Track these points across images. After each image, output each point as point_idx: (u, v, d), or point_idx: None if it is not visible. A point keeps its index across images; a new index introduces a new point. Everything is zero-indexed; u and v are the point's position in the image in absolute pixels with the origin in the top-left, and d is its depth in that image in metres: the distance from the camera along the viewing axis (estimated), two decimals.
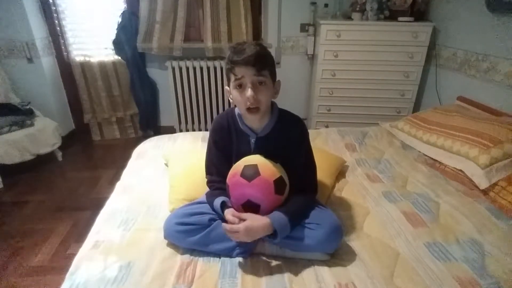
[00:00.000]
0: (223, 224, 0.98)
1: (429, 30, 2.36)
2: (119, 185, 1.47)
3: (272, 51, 2.71)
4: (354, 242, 1.12)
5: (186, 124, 3.05)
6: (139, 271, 0.98)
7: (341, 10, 2.64)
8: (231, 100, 1.10)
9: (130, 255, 1.04)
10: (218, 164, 1.16)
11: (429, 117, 1.88)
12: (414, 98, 2.59)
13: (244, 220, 0.97)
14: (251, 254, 1.05)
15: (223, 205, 1.05)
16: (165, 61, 2.78)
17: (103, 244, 1.08)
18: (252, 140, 1.13)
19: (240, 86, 1.03)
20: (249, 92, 1.00)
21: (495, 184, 1.37)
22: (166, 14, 2.64)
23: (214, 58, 2.80)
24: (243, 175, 1.02)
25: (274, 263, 1.03)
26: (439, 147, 1.66)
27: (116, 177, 1.64)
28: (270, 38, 2.79)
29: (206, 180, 1.19)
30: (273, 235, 0.98)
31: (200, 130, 3.04)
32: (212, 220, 1.06)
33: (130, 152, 1.78)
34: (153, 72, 2.95)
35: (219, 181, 1.13)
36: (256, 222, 0.97)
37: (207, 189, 1.18)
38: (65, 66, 2.88)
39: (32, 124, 2.45)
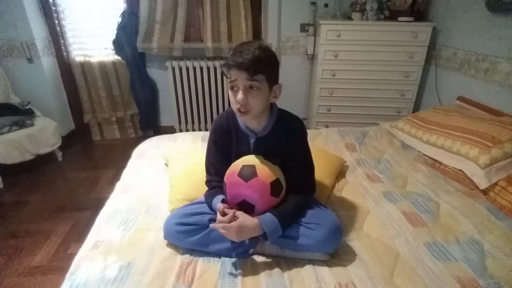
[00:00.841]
0: (212, 223, 0.98)
1: (429, 30, 2.36)
2: (119, 185, 1.47)
3: None
4: (354, 242, 1.12)
5: (186, 124, 3.05)
6: (139, 271, 0.98)
7: (341, 10, 2.64)
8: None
9: (130, 255, 1.04)
10: (217, 164, 1.16)
11: (429, 117, 1.88)
12: (414, 98, 2.59)
13: (236, 217, 0.98)
14: (251, 254, 1.05)
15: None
16: (165, 61, 2.78)
17: (103, 244, 1.08)
18: (252, 140, 1.13)
19: (233, 89, 1.03)
20: (239, 95, 1.00)
21: (495, 184, 1.37)
22: (166, 14, 2.65)
23: (214, 58, 2.80)
24: (240, 175, 1.02)
25: (274, 263, 1.03)
26: (439, 147, 1.66)
27: (116, 177, 1.64)
28: (270, 38, 2.79)
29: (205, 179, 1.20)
30: (265, 234, 0.99)
31: (200, 130, 3.04)
32: (212, 220, 1.06)
33: (130, 152, 1.78)
34: (153, 72, 2.95)
35: (217, 181, 1.13)
36: (247, 222, 0.98)
37: (207, 189, 1.18)
38: (65, 66, 2.88)
39: (32, 124, 2.45)
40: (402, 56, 2.44)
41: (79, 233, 1.84)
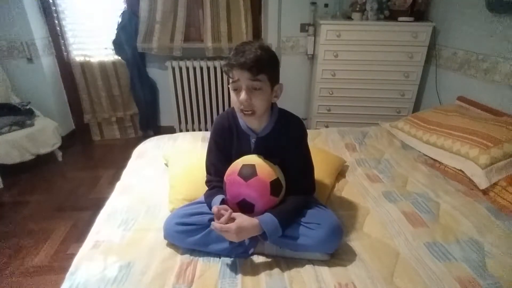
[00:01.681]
0: (213, 223, 0.97)
1: (429, 30, 2.36)
2: (119, 185, 1.47)
3: None
4: (354, 242, 1.12)
5: (186, 124, 3.05)
6: (139, 271, 0.98)
7: (341, 10, 2.64)
8: (232, 102, 1.10)
9: (130, 255, 1.04)
10: (217, 164, 1.16)
11: (429, 117, 1.89)
12: (414, 98, 2.59)
13: (233, 219, 0.98)
14: (251, 254, 1.05)
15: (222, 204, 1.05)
16: (165, 61, 2.78)
17: (103, 244, 1.08)
18: (253, 140, 1.14)
19: (236, 89, 1.03)
20: (242, 95, 1.00)
21: (495, 184, 1.37)
22: (166, 14, 2.65)
23: (214, 58, 2.80)
24: (240, 174, 1.02)
25: (274, 263, 1.03)
26: (439, 147, 1.66)
27: (116, 177, 1.64)
28: (270, 38, 2.79)
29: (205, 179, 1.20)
30: (264, 234, 0.99)
31: (200, 130, 3.04)
32: (212, 220, 1.06)
33: (130, 152, 1.78)
34: (153, 72, 2.95)
35: (217, 181, 1.13)
36: (246, 222, 0.97)
37: (207, 189, 1.18)
38: (65, 66, 2.88)
39: (32, 124, 2.45)
40: (402, 56, 2.44)
41: (79, 233, 1.84)
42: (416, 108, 2.66)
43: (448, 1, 2.32)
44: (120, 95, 3.00)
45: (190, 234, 1.04)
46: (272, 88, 1.05)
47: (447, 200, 1.35)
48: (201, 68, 2.81)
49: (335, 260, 1.03)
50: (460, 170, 1.51)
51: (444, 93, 2.40)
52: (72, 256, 1.06)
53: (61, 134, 2.65)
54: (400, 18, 2.39)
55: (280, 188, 1.05)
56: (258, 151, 1.12)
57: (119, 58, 2.80)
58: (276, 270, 1.00)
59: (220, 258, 1.04)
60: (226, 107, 3.00)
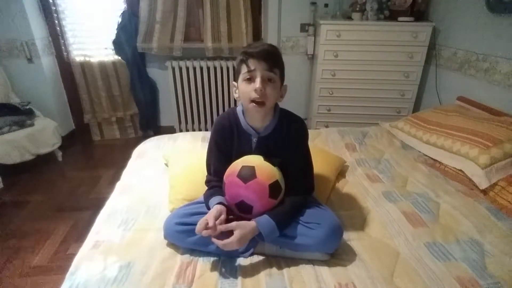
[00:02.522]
0: (214, 240, 0.97)
1: (429, 30, 2.36)
2: (119, 185, 1.47)
3: None
4: (354, 242, 1.12)
5: (186, 124, 3.05)
6: (139, 271, 0.98)
7: (341, 10, 2.64)
8: (236, 96, 1.11)
9: (130, 255, 1.04)
10: (217, 164, 1.16)
11: (429, 117, 1.89)
12: (414, 98, 2.59)
13: (232, 229, 0.98)
14: (251, 254, 1.05)
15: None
16: (165, 61, 2.78)
17: (103, 244, 1.08)
18: (254, 140, 1.14)
19: (250, 80, 1.04)
20: (258, 83, 1.01)
21: (495, 184, 1.37)
22: (166, 14, 2.65)
23: (214, 58, 2.80)
24: (239, 175, 1.02)
25: (274, 263, 1.03)
26: (439, 147, 1.66)
27: (116, 177, 1.64)
28: (270, 38, 2.78)
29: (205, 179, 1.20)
30: (261, 234, 1.00)
31: (200, 130, 3.04)
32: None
33: (130, 152, 1.78)
34: (153, 72, 2.95)
35: (217, 181, 1.13)
36: (245, 230, 0.98)
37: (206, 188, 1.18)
38: (65, 66, 2.88)
39: (32, 124, 2.45)
40: (402, 56, 2.44)
41: (79, 233, 1.84)
42: (416, 108, 2.66)
43: (448, 1, 2.32)
44: (120, 95, 3.00)
45: (190, 234, 1.04)
46: (280, 86, 1.08)
47: (447, 200, 1.35)
48: (201, 68, 2.81)
49: (335, 260, 1.03)
50: (460, 170, 1.51)
51: (444, 93, 2.40)
52: (72, 256, 1.07)
53: (61, 134, 2.66)
54: (400, 18, 2.39)
55: (279, 190, 1.06)
56: (259, 151, 1.12)
57: (119, 58, 2.80)
58: (276, 270, 1.00)
59: (220, 258, 1.04)
60: (226, 107, 3.00)
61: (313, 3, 2.63)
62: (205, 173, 1.21)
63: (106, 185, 2.33)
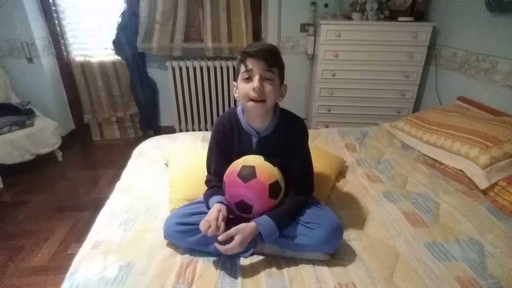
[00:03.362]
0: (217, 245, 0.98)
1: (429, 30, 2.36)
2: (119, 185, 1.47)
3: None
4: (354, 242, 1.12)
5: (186, 124, 3.05)
6: (139, 271, 0.98)
7: (341, 10, 2.64)
8: (236, 96, 1.11)
9: (130, 255, 1.04)
10: (217, 164, 1.16)
11: (429, 117, 1.88)
12: (414, 98, 2.59)
13: (233, 234, 0.98)
14: (251, 254, 1.05)
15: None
16: (165, 61, 2.78)
17: (103, 244, 1.08)
18: (254, 140, 1.14)
19: (248, 79, 1.04)
20: (256, 82, 1.02)
21: (495, 184, 1.37)
22: (166, 14, 2.64)
23: (214, 58, 2.80)
24: (240, 175, 1.02)
25: (274, 263, 1.03)
26: (439, 147, 1.66)
27: (116, 177, 1.64)
28: (270, 38, 2.78)
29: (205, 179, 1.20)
30: (261, 235, 1.00)
31: (200, 130, 3.04)
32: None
33: (130, 152, 1.78)
34: (153, 72, 2.95)
35: (217, 181, 1.13)
36: (245, 232, 0.98)
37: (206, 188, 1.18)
38: (65, 66, 2.88)
39: (32, 124, 2.45)
40: (402, 56, 2.44)
41: (79, 233, 1.84)
42: (416, 108, 2.66)
43: (448, 1, 2.32)
44: (120, 95, 3.00)
45: (190, 234, 1.04)
46: (280, 85, 1.08)
47: (447, 200, 1.35)
48: (201, 68, 2.81)
49: (335, 260, 1.03)
50: (460, 170, 1.51)
51: (444, 93, 2.40)
52: (72, 256, 1.06)
53: (61, 134, 2.65)
54: (400, 18, 2.39)
55: (279, 190, 1.06)
56: (259, 151, 1.12)
57: (119, 58, 2.80)
58: (276, 270, 1.00)
59: (220, 258, 1.04)
60: (226, 107, 3.00)
61: (313, 3, 2.63)
62: (205, 173, 1.21)
63: (106, 185, 2.33)
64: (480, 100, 1.99)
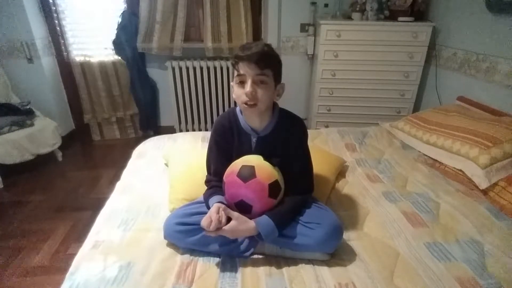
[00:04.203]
0: (202, 223, 0.96)
1: (429, 30, 2.36)
2: (119, 185, 1.47)
3: None
4: (354, 242, 1.12)
5: (186, 124, 3.05)
6: (139, 271, 0.98)
7: (341, 10, 2.64)
8: (235, 97, 1.11)
9: (130, 255, 1.04)
10: (217, 164, 1.16)
11: (429, 117, 1.89)
12: (414, 98, 2.59)
13: (232, 217, 0.99)
14: (251, 254, 1.05)
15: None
16: (165, 61, 2.78)
17: (103, 244, 1.08)
18: (254, 140, 1.14)
19: (242, 83, 1.04)
20: (248, 87, 1.02)
21: (495, 184, 1.37)
22: (166, 14, 2.64)
23: (214, 58, 2.80)
24: (239, 175, 1.03)
25: (274, 263, 1.03)
26: (439, 147, 1.66)
27: (116, 177, 1.64)
28: (270, 38, 2.78)
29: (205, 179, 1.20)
30: (260, 234, 1.00)
31: (200, 130, 3.04)
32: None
33: (130, 152, 1.78)
34: (153, 72, 2.95)
35: (216, 180, 1.14)
36: (242, 225, 0.99)
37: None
38: (65, 66, 2.87)
39: (32, 124, 2.45)
40: (402, 56, 2.44)
41: (79, 233, 1.84)
42: (416, 108, 2.66)
43: (448, 1, 2.32)
44: (120, 95, 3.00)
45: (190, 234, 1.04)
46: (275, 85, 1.08)
47: (447, 200, 1.35)
48: (201, 68, 2.81)
49: (335, 260, 1.03)
50: (460, 170, 1.51)
51: (444, 93, 2.40)
52: (72, 256, 1.06)
53: (61, 134, 2.65)
54: (400, 18, 2.39)
55: (278, 190, 1.06)
56: (258, 151, 1.12)
57: (119, 58, 2.80)
58: (276, 270, 1.00)
59: (220, 258, 1.04)
60: (226, 107, 3.00)
61: (313, 3, 2.63)
62: (205, 173, 1.21)
63: (106, 185, 2.33)
64: (480, 100, 2.00)
